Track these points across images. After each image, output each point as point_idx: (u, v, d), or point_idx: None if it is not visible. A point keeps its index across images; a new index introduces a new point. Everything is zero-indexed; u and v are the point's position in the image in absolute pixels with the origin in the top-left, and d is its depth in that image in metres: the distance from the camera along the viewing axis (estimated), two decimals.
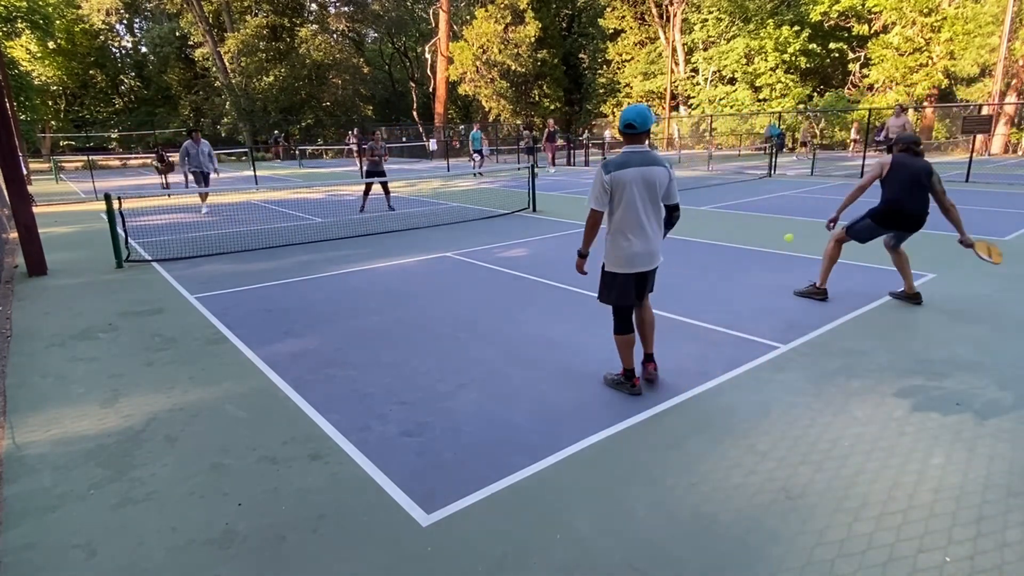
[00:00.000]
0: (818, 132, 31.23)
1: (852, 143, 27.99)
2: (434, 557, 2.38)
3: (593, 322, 5.09)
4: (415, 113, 45.62)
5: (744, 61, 31.85)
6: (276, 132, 36.93)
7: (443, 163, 27.32)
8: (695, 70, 35.91)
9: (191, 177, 13.73)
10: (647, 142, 3.55)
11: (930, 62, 27.22)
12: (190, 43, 43.60)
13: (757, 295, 5.77)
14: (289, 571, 2.33)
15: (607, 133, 32.54)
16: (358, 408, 3.65)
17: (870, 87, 29.91)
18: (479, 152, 21.32)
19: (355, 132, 33.47)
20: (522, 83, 37.75)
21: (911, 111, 28.22)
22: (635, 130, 3.46)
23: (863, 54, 30.03)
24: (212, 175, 13.21)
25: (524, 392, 3.80)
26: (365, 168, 12.84)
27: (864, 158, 18.34)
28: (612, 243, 3.59)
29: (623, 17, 37.68)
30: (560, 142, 25.74)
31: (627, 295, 3.63)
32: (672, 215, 3.65)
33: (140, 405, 3.78)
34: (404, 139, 39.67)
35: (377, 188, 12.95)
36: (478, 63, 35.90)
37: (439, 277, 6.88)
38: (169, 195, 15.97)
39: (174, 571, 2.34)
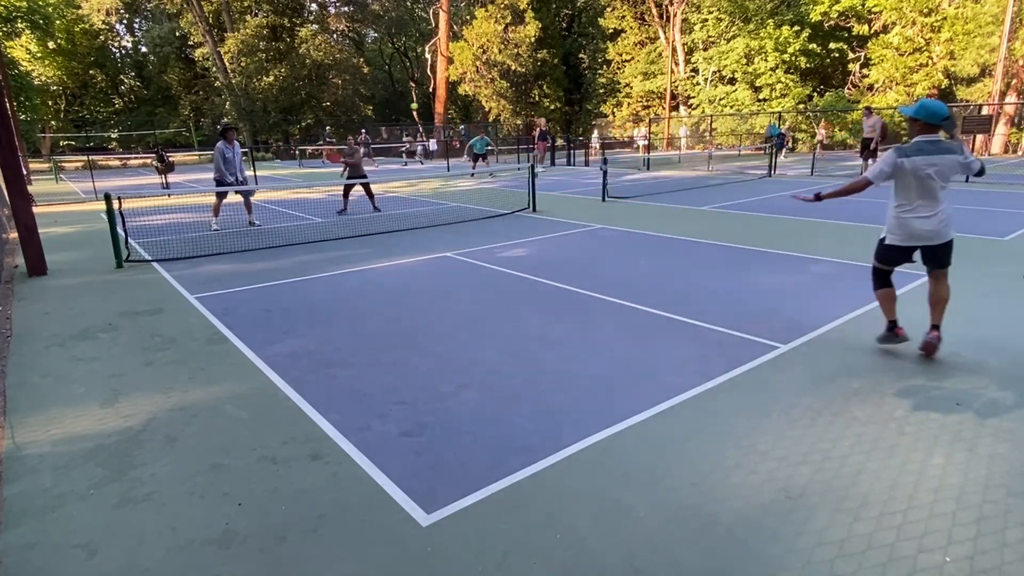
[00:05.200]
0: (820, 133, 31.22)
1: (819, 145, 27.02)
2: (434, 557, 2.38)
3: (593, 322, 5.09)
4: (415, 113, 45.60)
5: (744, 61, 31.83)
6: (328, 129, 35.96)
7: (442, 163, 27.29)
8: (695, 70, 35.89)
9: (240, 198, 11.13)
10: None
11: (930, 62, 27.22)
12: (190, 43, 43.58)
13: (757, 295, 5.77)
14: (289, 571, 2.33)
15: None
16: (358, 408, 3.65)
17: (870, 87, 29.90)
18: (482, 156, 21.09)
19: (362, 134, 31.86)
20: (522, 83, 37.73)
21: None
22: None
23: (863, 54, 30.02)
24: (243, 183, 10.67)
25: (524, 392, 3.80)
26: (347, 173, 12.67)
27: (865, 161, 18.27)
28: None
29: (623, 17, 37.66)
30: (560, 142, 25.74)
31: None
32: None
33: (140, 405, 3.78)
34: (404, 139, 39.64)
35: (361, 190, 12.88)
36: (478, 63, 35.89)
37: (439, 277, 6.88)
38: (169, 195, 15.98)
39: (174, 571, 2.34)
